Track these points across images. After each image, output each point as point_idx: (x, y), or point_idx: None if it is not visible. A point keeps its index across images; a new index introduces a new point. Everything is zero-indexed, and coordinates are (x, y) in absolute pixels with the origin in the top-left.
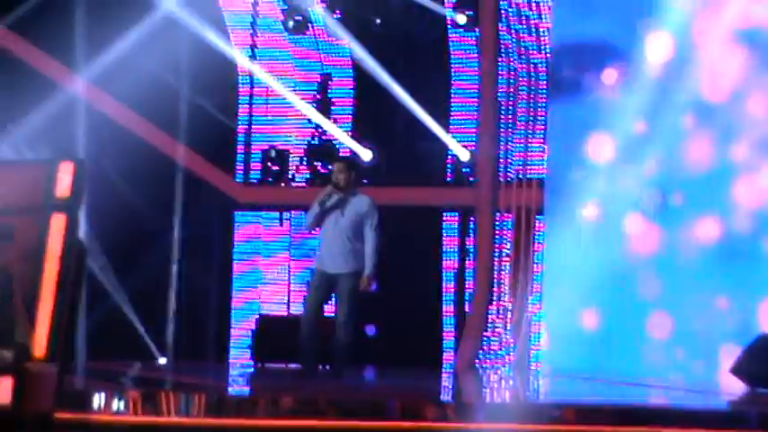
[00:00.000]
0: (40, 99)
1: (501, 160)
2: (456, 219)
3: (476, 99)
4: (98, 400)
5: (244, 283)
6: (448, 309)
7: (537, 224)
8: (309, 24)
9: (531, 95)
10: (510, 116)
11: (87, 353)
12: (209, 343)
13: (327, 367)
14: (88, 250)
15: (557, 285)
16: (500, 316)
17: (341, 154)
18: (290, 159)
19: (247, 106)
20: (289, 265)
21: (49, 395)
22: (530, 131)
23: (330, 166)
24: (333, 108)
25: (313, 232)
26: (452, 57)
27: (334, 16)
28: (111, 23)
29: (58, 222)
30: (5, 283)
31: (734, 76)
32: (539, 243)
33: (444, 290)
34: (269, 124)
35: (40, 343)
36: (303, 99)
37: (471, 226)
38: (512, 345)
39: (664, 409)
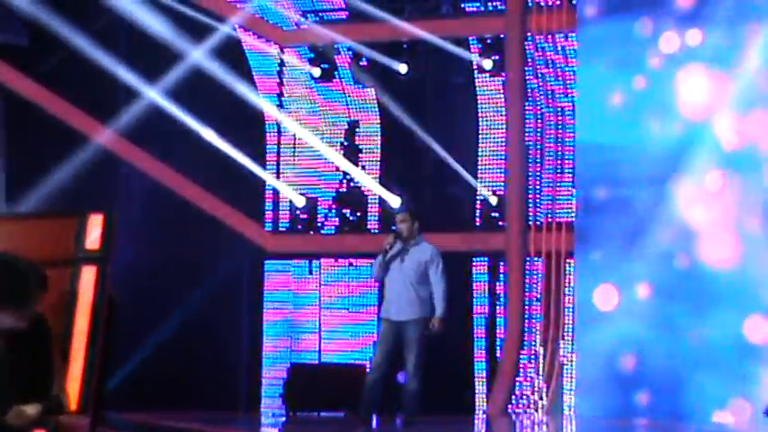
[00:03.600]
0: (71, 152)
1: (530, 204)
2: (486, 264)
3: (504, 143)
4: None
5: (274, 331)
6: (479, 354)
7: (567, 267)
8: (336, 72)
9: (559, 141)
10: (538, 160)
11: (120, 404)
12: (241, 392)
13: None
14: (119, 301)
15: (589, 328)
16: (532, 360)
17: (402, 204)
18: (319, 208)
19: (275, 155)
20: (319, 313)
21: None
22: (558, 174)
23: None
24: (360, 155)
25: (378, 281)
26: (479, 102)
27: (361, 64)
28: (139, 74)
29: (88, 274)
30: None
31: None
32: (570, 286)
33: (475, 335)
34: (297, 173)
35: (72, 395)
36: (331, 147)
37: (501, 270)
38: (544, 389)
39: None
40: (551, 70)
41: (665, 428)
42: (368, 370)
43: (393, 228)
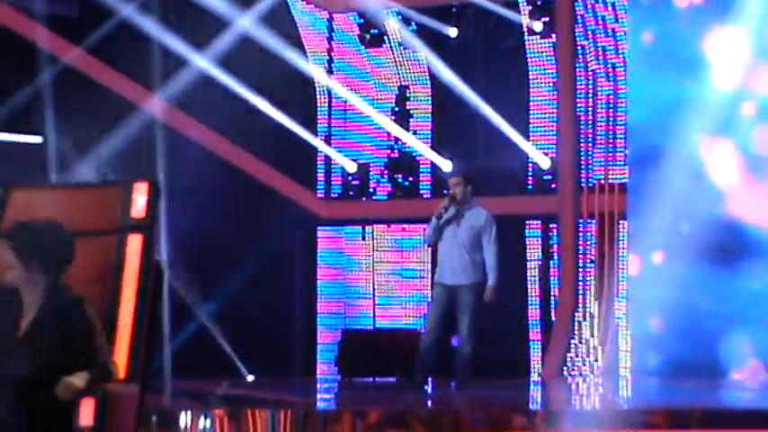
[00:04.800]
0: (119, 121)
1: (582, 166)
2: (538, 226)
3: (555, 105)
4: (185, 418)
5: (328, 297)
6: (534, 316)
7: (620, 228)
8: (385, 37)
9: (611, 98)
10: (590, 121)
11: (174, 372)
12: (296, 358)
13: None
14: (167, 269)
15: (642, 288)
16: (586, 321)
17: (454, 167)
18: (371, 173)
19: (326, 121)
20: (373, 279)
21: (131, 415)
22: (610, 135)
23: (446, 180)
24: (411, 120)
25: (432, 245)
26: (530, 64)
27: (410, 28)
28: (188, 42)
29: (134, 243)
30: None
31: None
32: (622, 247)
33: (529, 298)
34: (348, 138)
35: (121, 364)
36: (381, 112)
37: (554, 233)
38: (599, 350)
39: (755, 411)
40: (602, 30)
41: (711, 387)
42: (422, 334)
43: (446, 192)
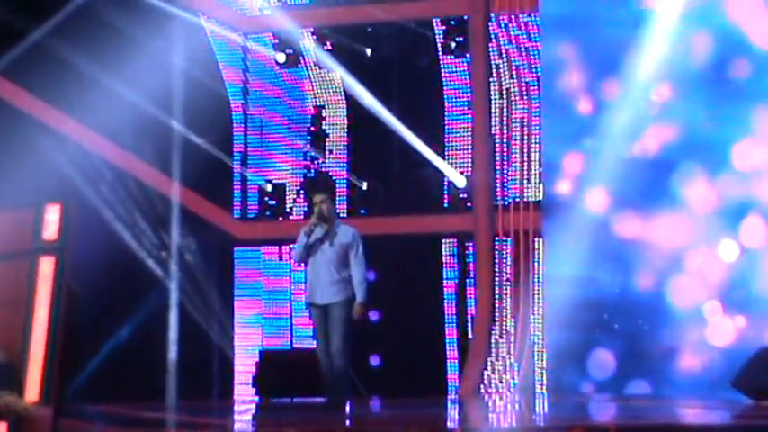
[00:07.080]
0: (31, 142)
1: (497, 184)
2: (455, 244)
3: (469, 124)
4: None
5: (245, 318)
6: (450, 335)
7: (536, 245)
8: (300, 57)
9: (525, 116)
10: (505, 139)
11: (89, 395)
12: (213, 380)
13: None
14: (81, 292)
15: (558, 304)
16: (503, 339)
17: (322, 185)
18: (287, 193)
19: (242, 142)
20: (290, 299)
21: None
22: (525, 153)
23: (312, 198)
24: (327, 139)
25: (302, 265)
26: (445, 82)
27: (325, 48)
28: (101, 63)
29: (46, 265)
30: None
31: None
32: (538, 264)
33: (446, 316)
34: (264, 159)
35: (33, 386)
36: (297, 132)
37: (470, 251)
38: (516, 367)
39: (669, 425)
40: (515, 49)
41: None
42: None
43: (315, 210)
